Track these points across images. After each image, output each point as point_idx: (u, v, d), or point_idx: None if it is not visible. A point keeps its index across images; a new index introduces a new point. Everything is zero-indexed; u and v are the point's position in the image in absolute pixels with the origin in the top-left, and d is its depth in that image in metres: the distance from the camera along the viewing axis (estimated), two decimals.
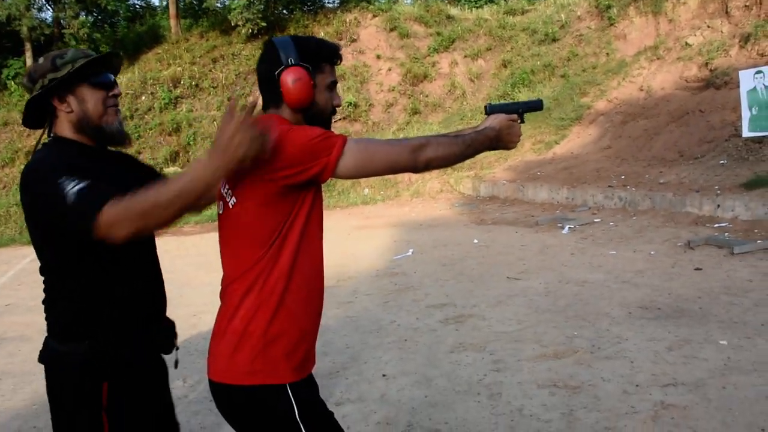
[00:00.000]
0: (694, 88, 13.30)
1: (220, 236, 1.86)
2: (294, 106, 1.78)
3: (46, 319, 1.87)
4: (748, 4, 13.83)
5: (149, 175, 2.00)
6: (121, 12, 26.55)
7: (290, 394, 1.73)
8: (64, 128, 1.86)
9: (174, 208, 1.61)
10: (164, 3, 27.24)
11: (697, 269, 6.32)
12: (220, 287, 1.86)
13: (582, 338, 4.65)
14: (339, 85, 1.91)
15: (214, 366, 1.78)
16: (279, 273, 1.72)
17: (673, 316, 4.98)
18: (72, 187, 1.64)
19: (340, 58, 1.89)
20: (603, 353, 4.32)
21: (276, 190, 1.67)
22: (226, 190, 1.79)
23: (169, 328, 2.05)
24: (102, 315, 1.82)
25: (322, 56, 1.83)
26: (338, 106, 1.90)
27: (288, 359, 1.74)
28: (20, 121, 2.48)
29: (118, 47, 22.81)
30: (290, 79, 1.75)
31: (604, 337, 4.62)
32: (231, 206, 1.76)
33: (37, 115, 1.89)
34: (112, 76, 1.93)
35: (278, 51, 1.77)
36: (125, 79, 20.15)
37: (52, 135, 1.88)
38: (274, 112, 1.81)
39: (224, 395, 1.77)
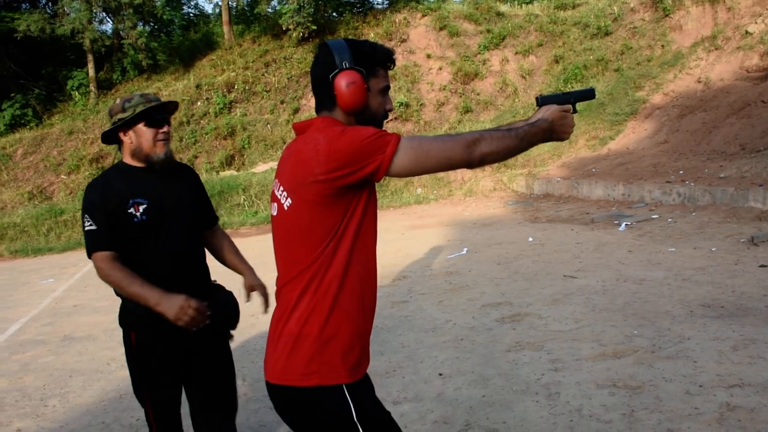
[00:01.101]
0: (756, 78, 12.86)
1: (274, 237, 1.89)
2: (347, 109, 1.80)
3: None
4: None
5: (199, 189, 2.73)
6: (176, 21, 27.29)
7: (347, 394, 1.75)
8: (126, 154, 2.54)
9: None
10: (217, 10, 27.88)
11: (762, 266, 6.13)
12: (275, 288, 1.90)
13: (642, 337, 4.57)
14: (391, 86, 1.94)
15: (271, 368, 1.81)
16: (334, 273, 1.75)
17: (737, 315, 4.85)
18: (85, 225, 2.44)
19: (393, 62, 1.90)
20: (664, 353, 4.24)
21: (332, 190, 1.69)
22: (280, 191, 1.82)
23: (226, 306, 2.61)
24: None
25: (376, 60, 1.85)
26: (390, 110, 1.91)
27: (344, 360, 1.76)
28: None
29: (174, 55, 23.45)
30: (344, 82, 1.77)
31: (665, 336, 4.54)
32: (286, 207, 1.79)
33: (111, 139, 2.56)
34: (165, 117, 2.54)
35: (333, 54, 1.80)
36: (181, 86, 20.68)
37: (119, 160, 2.58)
38: (327, 115, 1.84)
39: (282, 397, 1.80)
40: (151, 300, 2.31)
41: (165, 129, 2.51)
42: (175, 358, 2.51)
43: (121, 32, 22.77)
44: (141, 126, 2.47)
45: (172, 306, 2.29)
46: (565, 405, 3.61)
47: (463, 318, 5.50)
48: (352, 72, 1.78)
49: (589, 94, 2.09)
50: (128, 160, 2.53)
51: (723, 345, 4.27)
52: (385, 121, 1.95)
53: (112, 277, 2.36)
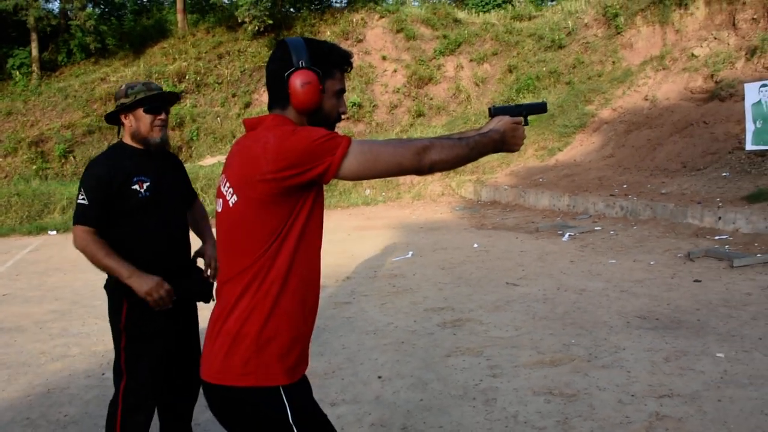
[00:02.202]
0: (699, 99, 13.29)
1: (217, 234, 1.85)
2: (300, 109, 1.78)
3: None
4: (755, 16, 13.82)
5: (183, 174, 2.96)
6: (128, 5, 26.57)
7: (284, 396, 1.73)
8: (126, 135, 2.76)
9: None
10: None
11: (696, 281, 6.31)
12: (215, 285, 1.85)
13: (579, 346, 4.64)
14: (346, 89, 1.91)
15: (207, 366, 1.78)
16: (276, 274, 1.72)
17: (671, 327, 4.97)
18: (78, 197, 2.62)
19: (351, 65, 1.88)
20: (600, 362, 4.31)
21: (278, 190, 1.66)
22: (227, 187, 1.78)
23: (204, 281, 2.81)
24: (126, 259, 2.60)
25: (333, 62, 1.83)
26: (344, 113, 1.89)
27: (281, 361, 1.74)
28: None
29: (125, 40, 22.86)
30: (299, 81, 1.75)
31: (601, 346, 4.61)
32: (231, 204, 1.75)
33: (113, 120, 2.80)
34: (163, 105, 2.75)
35: (290, 52, 1.77)
36: (130, 73, 20.20)
37: (119, 138, 2.80)
38: (280, 113, 1.81)
39: (217, 396, 1.77)
40: (123, 273, 2.54)
41: (162, 116, 2.74)
42: (162, 326, 2.68)
43: (69, 12, 22.03)
44: (140, 111, 2.69)
45: (145, 282, 2.53)
46: (501, 411, 3.62)
47: (405, 321, 5.49)
48: (308, 72, 1.75)
49: (540, 108, 2.10)
50: (128, 140, 2.75)
51: (656, 356, 4.36)
52: (338, 123, 1.92)
53: (89, 248, 2.57)
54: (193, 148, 18.61)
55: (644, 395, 3.73)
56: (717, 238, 8.05)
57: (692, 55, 14.53)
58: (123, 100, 2.70)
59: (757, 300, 5.56)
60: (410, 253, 8.46)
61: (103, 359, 4.79)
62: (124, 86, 2.74)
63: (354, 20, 22.57)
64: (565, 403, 3.68)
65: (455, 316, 5.57)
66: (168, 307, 2.61)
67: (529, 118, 2.05)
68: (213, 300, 2.08)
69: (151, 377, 2.68)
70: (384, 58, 21.35)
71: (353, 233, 10.34)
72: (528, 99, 17.68)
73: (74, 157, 17.43)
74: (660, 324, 5.06)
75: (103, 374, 4.50)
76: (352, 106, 19.45)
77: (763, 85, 8.74)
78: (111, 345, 2.80)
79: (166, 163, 2.86)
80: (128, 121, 2.72)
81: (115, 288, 2.65)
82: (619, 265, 7.17)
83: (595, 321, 5.21)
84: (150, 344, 2.67)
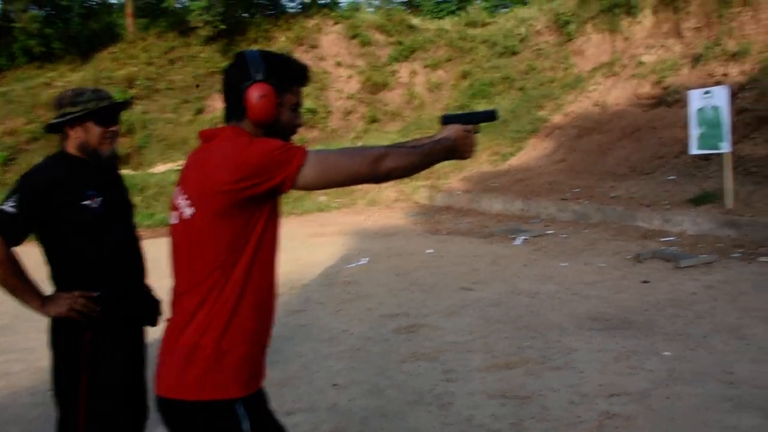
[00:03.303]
0: (647, 105, 13.65)
1: (172, 246, 1.83)
2: (256, 121, 1.78)
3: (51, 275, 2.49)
4: (699, 26, 14.27)
5: (123, 189, 2.69)
6: (74, 8, 25.90)
7: (240, 409, 1.72)
8: (71, 146, 2.50)
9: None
10: (121, 1, 26.74)
11: (644, 282, 6.46)
12: (170, 297, 1.83)
13: (532, 349, 4.70)
14: (302, 103, 1.93)
15: (162, 381, 1.75)
16: (233, 286, 1.71)
17: (620, 328, 5.07)
18: (5, 204, 2.32)
19: (308, 79, 1.90)
20: (552, 363, 4.38)
21: (234, 201, 1.66)
22: (183, 199, 1.77)
23: (153, 304, 2.62)
24: (77, 280, 2.40)
25: (290, 76, 1.85)
26: (299, 126, 1.91)
27: (238, 374, 1.73)
28: None
29: (71, 44, 22.29)
30: (256, 94, 1.75)
31: (553, 348, 4.68)
32: (188, 216, 1.74)
33: (56, 129, 2.52)
34: (115, 117, 2.55)
35: (247, 64, 1.78)
36: (78, 78, 19.70)
37: (61, 148, 2.53)
38: (235, 124, 1.81)
39: (173, 411, 1.74)
40: (35, 302, 2.38)
41: (114, 128, 2.55)
42: (126, 358, 2.49)
43: (11, 14, 21.38)
44: (90, 123, 2.48)
45: (61, 302, 2.35)
46: (456, 415, 3.65)
47: (359, 328, 5.48)
48: (265, 85, 1.76)
49: (491, 116, 2.14)
50: (73, 151, 2.51)
51: (606, 356, 4.45)
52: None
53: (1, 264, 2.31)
54: (143, 155, 18.25)
55: (595, 395, 3.81)
56: (664, 239, 8.27)
57: (640, 62, 14.93)
58: (70, 110, 2.45)
59: (702, 299, 5.72)
60: (365, 259, 8.46)
61: (48, 375, 4.64)
62: (70, 93, 2.50)
63: (308, 26, 22.49)
64: (518, 406, 3.72)
65: (410, 321, 5.58)
66: (96, 311, 2.39)
67: (483, 124, 2.10)
68: (165, 320, 2.07)
69: (116, 417, 2.44)
70: (338, 64, 21.33)
71: (308, 240, 10.29)
72: (482, 105, 17.88)
73: (17, 165, 16.90)
74: (610, 325, 5.16)
75: (48, 391, 4.36)
76: (306, 112, 19.35)
77: (706, 92, 9.01)
78: None
79: (115, 175, 2.68)
80: (75, 133, 2.49)
81: (71, 320, 2.39)
82: (571, 268, 7.30)
83: (548, 324, 5.28)
84: (114, 377, 2.42)
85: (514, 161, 14.70)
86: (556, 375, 4.17)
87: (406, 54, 21.61)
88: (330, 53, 21.73)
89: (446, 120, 2.04)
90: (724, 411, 3.50)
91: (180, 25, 22.26)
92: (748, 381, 3.89)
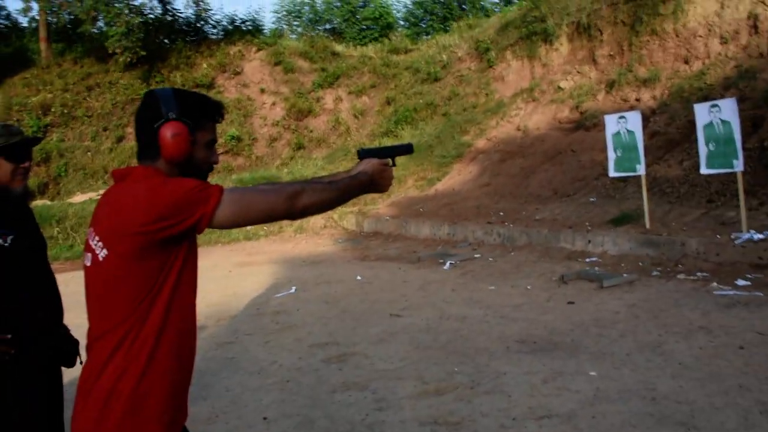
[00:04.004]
0: (567, 129, 14.13)
1: (87, 288, 1.77)
2: (170, 159, 1.75)
3: None
4: (612, 53, 14.94)
5: (35, 225, 2.60)
6: None
7: None
8: None
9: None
10: (33, 25, 25.79)
11: (569, 303, 6.61)
12: (85, 341, 1.76)
13: (462, 374, 4.71)
14: (217, 140, 1.90)
15: (80, 427, 1.67)
16: (150, 328, 1.66)
17: (547, 349, 5.16)
18: None
19: (222, 116, 1.89)
20: (482, 388, 4.40)
21: (150, 243, 1.62)
22: (95, 241, 1.71)
23: (69, 343, 2.54)
24: None
25: (204, 113, 1.82)
26: (215, 163, 1.89)
27: (159, 419, 1.67)
28: None
29: None
30: (169, 133, 1.72)
31: (483, 372, 4.71)
32: (101, 258, 1.68)
33: None
34: (27, 152, 2.48)
35: (159, 102, 1.75)
36: None
37: None
38: (150, 164, 1.77)
39: None
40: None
41: (26, 164, 2.49)
42: (41, 401, 2.40)
43: None
44: (1, 159, 2.42)
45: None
46: None
47: (289, 359, 5.37)
48: (178, 123, 1.74)
49: (407, 149, 2.21)
50: None
51: (535, 378, 4.51)
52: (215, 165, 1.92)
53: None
54: (61, 185, 17.58)
55: (525, 418, 3.84)
56: (588, 260, 8.51)
57: (558, 87, 15.47)
58: None
59: (625, 318, 5.90)
60: (293, 288, 8.35)
61: None
62: None
63: (231, 52, 22.32)
64: None
65: (340, 350, 5.51)
66: (9, 353, 2.30)
67: (400, 157, 2.14)
68: (80, 363, 1.97)
69: None
70: (262, 90, 21.22)
71: (235, 270, 10.08)
72: (406, 130, 18.10)
73: None
74: (537, 347, 5.24)
75: None
76: (231, 140, 19.12)
77: (621, 117, 9.40)
78: None
79: (26, 211, 2.59)
80: None
81: None
82: (498, 291, 7.41)
83: (477, 348, 5.32)
84: (29, 422, 2.34)
85: (440, 186, 14.90)
86: (486, 399, 4.19)
87: (331, 80, 21.73)
88: (254, 80, 21.61)
89: (363, 154, 2.06)
90: (648, 427, 3.59)
91: (98, 51, 21.66)
92: (669, 396, 4.01)
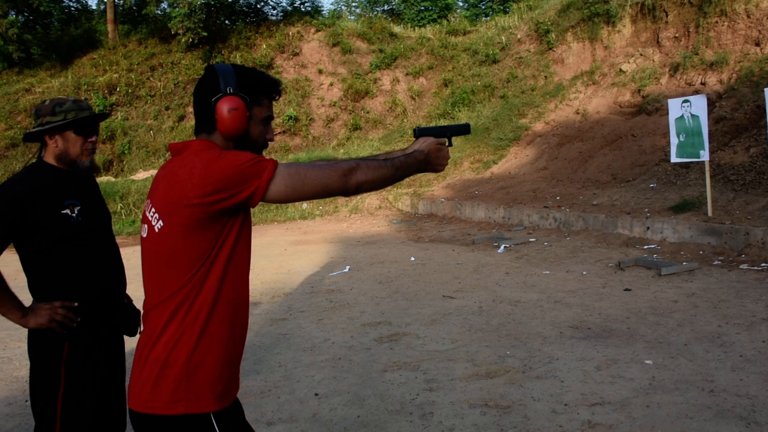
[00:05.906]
0: (627, 113, 13.77)
1: (143, 259, 1.81)
2: (227, 134, 1.78)
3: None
4: (677, 35, 14.43)
5: (101, 198, 2.68)
6: (54, 13, 25.69)
7: (214, 423, 1.71)
8: (50, 156, 2.50)
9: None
10: (102, 7, 26.56)
11: (626, 290, 6.49)
12: (142, 311, 1.81)
13: (514, 357, 4.69)
14: (282, 98, 1.92)
15: (135, 395, 1.72)
16: (204, 299, 1.70)
17: (602, 336, 5.08)
18: None
19: (279, 93, 1.90)
20: (534, 373, 4.37)
21: (205, 214, 1.65)
22: (152, 213, 1.75)
23: (132, 313, 2.60)
24: (55, 291, 2.38)
25: (261, 89, 1.84)
26: (271, 140, 1.91)
27: (211, 388, 1.71)
28: None
29: (51, 50, 22.10)
30: (226, 108, 1.75)
31: (535, 357, 4.67)
32: (157, 230, 1.72)
33: (34, 138, 2.53)
34: (95, 127, 2.56)
35: (218, 78, 1.77)
36: (57, 84, 19.56)
37: (39, 158, 2.53)
38: (206, 137, 1.80)
39: (146, 425, 1.72)
40: (16, 313, 2.35)
41: (93, 138, 2.55)
42: (103, 368, 2.47)
43: None
44: (70, 133, 2.48)
45: (42, 314, 2.33)
46: (438, 425, 3.62)
47: (341, 337, 5.44)
48: (235, 98, 1.76)
49: (464, 129, 2.17)
50: (50, 161, 2.50)
51: (588, 365, 4.45)
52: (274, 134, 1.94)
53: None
54: (124, 162, 18.13)
55: (577, 404, 3.80)
56: (646, 247, 8.31)
57: (620, 70, 15.06)
58: (49, 119, 2.44)
59: (683, 307, 5.75)
60: (347, 267, 8.43)
61: (26, 385, 4.56)
62: (49, 103, 2.48)
63: (290, 33, 22.48)
64: (500, 415, 3.70)
65: (392, 330, 5.55)
66: (76, 321, 2.38)
67: (456, 137, 2.12)
68: (139, 332, 2.03)
69: (93, 428, 2.41)
70: (320, 71, 21.33)
71: (290, 248, 10.23)
72: (463, 112, 17.95)
73: None
74: (591, 333, 5.17)
75: (25, 401, 4.29)
76: (288, 120, 19.33)
77: (685, 101, 9.09)
78: None
79: (92, 184, 2.67)
80: (53, 143, 2.47)
81: (49, 330, 2.38)
82: (553, 276, 7.31)
83: (530, 332, 5.28)
84: (91, 387, 2.40)
85: (496, 169, 14.75)
86: (537, 384, 4.16)
87: (388, 62, 21.67)
88: (312, 61, 21.73)
89: (419, 133, 2.05)
90: (705, 419, 3.51)
91: (161, 32, 22.18)
92: (728, 389, 3.90)
